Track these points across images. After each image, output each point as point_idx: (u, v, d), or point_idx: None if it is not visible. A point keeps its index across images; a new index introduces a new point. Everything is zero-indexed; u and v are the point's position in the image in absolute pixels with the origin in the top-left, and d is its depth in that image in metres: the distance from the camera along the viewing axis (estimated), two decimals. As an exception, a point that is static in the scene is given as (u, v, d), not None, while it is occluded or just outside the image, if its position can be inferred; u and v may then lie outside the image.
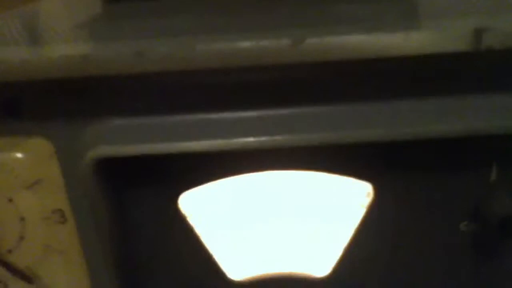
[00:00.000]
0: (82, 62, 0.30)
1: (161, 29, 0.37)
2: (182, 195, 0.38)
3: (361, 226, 0.39)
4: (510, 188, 0.36)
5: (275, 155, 0.36)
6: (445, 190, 0.38)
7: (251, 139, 0.33)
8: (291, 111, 0.34)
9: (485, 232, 0.37)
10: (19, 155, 0.37)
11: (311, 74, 0.32)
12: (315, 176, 0.38)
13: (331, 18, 0.36)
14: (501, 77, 0.31)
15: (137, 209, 0.40)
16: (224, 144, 0.33)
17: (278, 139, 0.33)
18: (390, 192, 0.38)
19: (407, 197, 0.38)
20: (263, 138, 0.33)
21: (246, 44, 0.29)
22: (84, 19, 0.48)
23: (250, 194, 0.39)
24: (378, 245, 0.40)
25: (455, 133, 0.31)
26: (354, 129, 0.33)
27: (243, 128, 0.33)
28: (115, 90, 0.33)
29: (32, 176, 0.38)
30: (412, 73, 0.32)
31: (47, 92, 0.34)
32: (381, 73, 0.32)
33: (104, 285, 0.40)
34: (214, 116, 0.33)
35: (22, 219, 0.40)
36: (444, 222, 0.39)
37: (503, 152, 0.36)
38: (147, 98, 0.34)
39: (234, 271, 0.42)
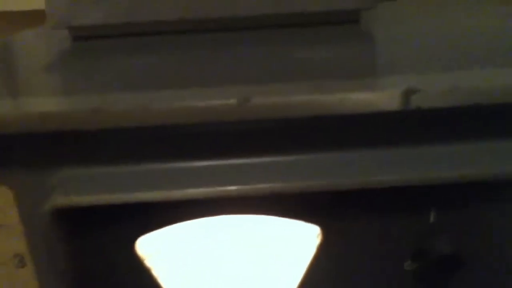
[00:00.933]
0: (40, 118, 0.32)
1: (119, 79, 0.39)
2: (139, 239, 0.40)
3: (311, 267, 0.41)
4: (446, 230, 0.39)
5: (229, 200, 0.38)
6: (389, 232, 0.40)
7: (203, 189, 0.35)
8: (241, 162, 0.36)
9: (427, 270, 0.40)
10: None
11: (259, 127, 0.35)
12: (266, 219, 0.40)
13: (277, 73, 0.38)
14: (432, 131, 0.34)
15: (95, 254, 0.41)
16: (177, 194, 0.34)
17: (229, 189, 0.35)
18: (337, 234, 0.40)
19: (354, 239, 0.41)
20: (215, 188, 0.35)
21: (197, 104, 0.32)
22: (51, 60, 0.50)
23: (204, 237, 0.41)
24: (328, 285, 0.42)
25: (391, 183, 0.34)
26: (300, 179, 0.35)
27: (195, 178, 0.35)
28: (73, 143, 0.35)
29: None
30: (352, 128, 0.35)
31: (7, 143, 0.35)
32: (324, 128, 0.34)
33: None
34: (166, 166, 0.35)
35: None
36: (389, 262, 0.41)
37: (440, 197, 0.39)
38: (102, 150, 0.36)
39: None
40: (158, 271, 0.41)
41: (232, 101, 0.31)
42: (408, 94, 0.31)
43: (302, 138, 0.35)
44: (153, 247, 0.41)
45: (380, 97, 0.31)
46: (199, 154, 0.35)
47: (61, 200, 0.35)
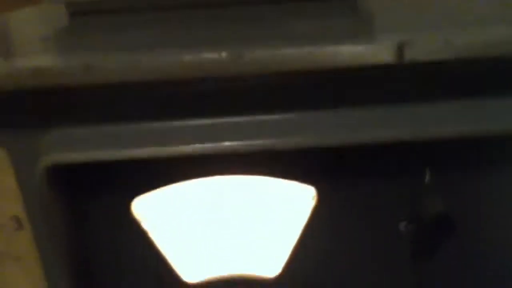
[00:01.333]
0: (33, 74, 0.32)
1: (112, 44, 0.39)
2: (135, 200, 0.40)
3: (307, 227, 0.41)
4: (441, 190, 0.39)
5: (224, 160, 0.38)
6: (384, 193, 0.40)
7: (196, 145, 0.35)
8: (235, 119, 0.35)
9: (422, 230, 0.40)
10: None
11: (253, 84, 0.34)
12: (263, 180, 0.40)
13: (272, 33, 0.38)
14: (426, 87, 0.34)
15: (92, 215, 0.41)
16: (170, 151, 0.34)
17: (223, 145, 0.35)
18: (332, 195, 0.40)
19: (350, 200, 0.41)
20: (209, 145, 0.35)
21: (188, 57, 0.31)
22: (46, 33, 0.50)
23: (200, 198, 0.41)
24: (324, 246, 0.42)
25: (385, 140, 0.34)
26: (294, 136, 0.35)
27: (189, 136, 0.35)
28: (66, 101, 0.35)
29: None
30: (346, 83, 0.35)
31: (1, 103, 0.35)
32: (317, 84, 0.34)
33: (61, 291, 0.41)
34: (160, 124, 0.35)
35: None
36: (384, 223, 0.41)
37: (435, 157, 0.39)
38: (97, 108, 0.35)
39: (188, 274, 0.43)
40: (154, 233, 0.42)
41: (224, 54, 0.31)
42: (402, 46, 0.31)
43: (295, 95, 0.35)
44: (148, 209, 0.41)
45: (374, 49, 0.31)
46: (192, 111, 0.35)
47: (55, 157, 0.35)
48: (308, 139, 0.35)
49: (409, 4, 0.46)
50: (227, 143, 0.35)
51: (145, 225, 0.41)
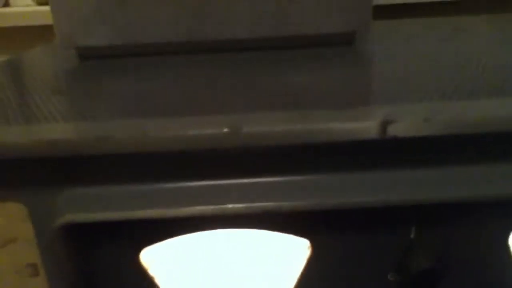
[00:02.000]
0: (49, 145, 0.35)
1: (119, 109, 0.43)
2: (143, 251, 0.43)
3: (302, 278, 0.44)
4: (425, 246, 0.42)
5: (224, 217, 0.41)
6: (373, 247, 0.43)
7: (197, 207, 0.38)
8: (234, 182, 0.39)
9: (408, 281, 0.43)
10: (-4, 217, 0.42)
11: (251, 152, 0.38)
12: (260, 234, 0.43)
13: (267, 101, 0.41)
14: (409, 157, 0.37)
15: (103, 265, 0.44)
16: (174, 212, 0.38)
17: (222, 207, 0.38)
18: (326, 248, 0.43)
19: (342, 253, 0.44)
20: (208, 207, 0.38)
21: (191, 132, 0.35)
22: (56, 85, 0.54)
23: (202, 249, 0.44)
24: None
25: (372, 204, 0.37)
26: (289, 200, 0.38)
27: (191, 198, 0.38)
28: (79, 166, 0.38)
29: (7, 235, 0.43)
30: (336, 154, 0.38)
31: (21, 165, 0.39)
32: (310, 154, 0.37)
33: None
34: (165, 186, 0.39)
35: (-1, 273, 0.44)
36: (374, 274, 0.44)
37: (420, 215, 0.42)
38: (107, 172, 0.39)
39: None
40: (160, 280, 0.45)
41: (225, 130, 0.34)
42: (384, 124, 0.34)
43: (291, 163, 0.38)
44: (155, 258, 0.44)
45: (360, 127, 0.34)
46: (195, 175, 0.38)
47: (70, 217, 0.38)
48: (301, 203, 0.38)
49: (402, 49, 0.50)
50: (229, 205, 0.39)
51: (152, 271, 0.44)
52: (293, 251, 0.44)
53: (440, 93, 0.39)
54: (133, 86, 0.50)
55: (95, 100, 0.46)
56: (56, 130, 0.38)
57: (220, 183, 0.39)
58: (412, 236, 0.42)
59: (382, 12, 0.67)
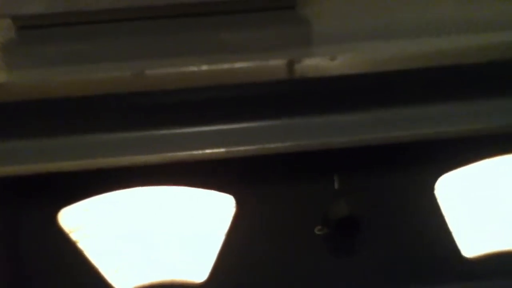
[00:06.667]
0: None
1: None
2: (63, 211, 0.42)
3: (230, 233, 0.43)
4: (348, 195, 0.41)
5: (147, 172, 0.41)
6: (299, 199, 0.43)
7: (114, 158, 0.37)
8: (147, 133, 0.38)
9: (334, 233, 0.42)
10: None
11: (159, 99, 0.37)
12: (184, 190, 0.43)
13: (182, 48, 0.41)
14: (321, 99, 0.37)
15: (23, 227, 0.43)
16: (99, 163, 0.37)
17: (143, 157, 0.37)
18: (250, 203, 0.43)
19: (267, 207, 0.43)
20: (125, 158, 0.37)
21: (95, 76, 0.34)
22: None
23: (126, 208, 0.43)
24: (247, 251, 0.44)
25: (283, 150, 0.37)
26: (202, 148, 0.37)
27: (107, 148, 0.37)
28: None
29: None
30: (251, 98, 0.37)
31: None
32: (218, 99, 0.37)
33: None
34: (78, 137, 0.37)
35: None
36: (302, 228, 0.44)
37: (343, 164, 0.41)
38: (21, 122, 0.38)
39: (119, 282, 0.45)
40: (84, 243, 0.44)
41: (127, 73, 0.33)
42: (291, 63, 0.34)
43: (203, 110, 0.37)
44: (76, 219, 0.43)
45: (267, 66, 0.34)
46: (108, 125, 0.38)
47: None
48: (211, 151, 0.37)
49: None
50: (146, 156, 0.38)
51: (74, 235, 0.43)
52: (218, 208, 0.43)
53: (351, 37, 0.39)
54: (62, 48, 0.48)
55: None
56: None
57: (137, 133, 0.38)
58: (335, 186, 0.42)
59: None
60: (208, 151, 0.38)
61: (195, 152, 0.38)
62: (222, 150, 0.38)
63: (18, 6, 0.59)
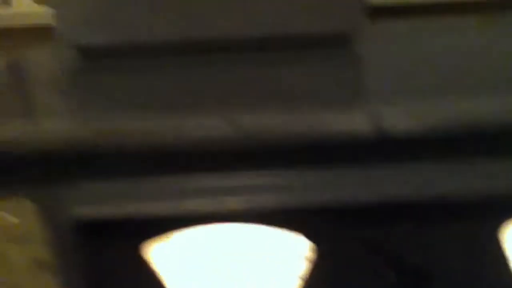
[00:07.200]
0: (59, 142, 0.37)
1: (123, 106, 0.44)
2: (147, 244, 0.45)
3: (307, 277, 0.45)
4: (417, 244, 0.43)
5: (229, 211, 0.43)
6: (375, 247, 0.45)
7: (202, 201, 0.40)
8: (238, 179, 0.40)
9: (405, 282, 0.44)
10: (7, 214, 0.44)
11: (255, 149, 0.39)
12: (264, 230, 0.45)
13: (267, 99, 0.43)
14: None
15: (109, 258, 0.46)
16: (186, 206, 0.40)
17: (226, 202, 0.40)
18: (328, 247, 0.45)
19: (344, 252, 0.45)
20: (213, 201, 0.40)
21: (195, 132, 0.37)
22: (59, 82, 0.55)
23: (207, 244, 0.46)
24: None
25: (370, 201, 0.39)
26: (291, 197, 0.40)
27: (197, 193, 0.40)
28: (86, 161, 0.40)
29: (18, 232, 0.44)
30: (333, 151, 0.39)
31: (28, 161, 0.40)
32: (307, 150, 0.39)
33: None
34: (171, 181, 0.40)
35: (10, 266, 0.45)
36: (375, 274, 0.46)
37: (416, 215, 0.43)
38: (116, 168, 0.40)
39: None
40: (163, 274, 0.46)
41: (227, 128, 0.36)
42: (377, 122, 0.36)
43: (291, 161, 0.40)
44: (158, 252, 0.46)
45: (354, 125, 0.36)
46: (199, 171, 0.40)
47: (78, 212, 0.40)
48: (299, 200, 0.40)
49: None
50: (231, 200, 0.40)
51: (156, 265, 0.46)
52: (294, 250, 0.45)
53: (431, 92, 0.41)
54: (136, 85, 0.51)
55: (98, 99, 0.48)
56: (61, 126, 0.39)
57: (222, 179, 0.41)
58: (404, 235, 0.44)
59: (380, 14, 0.68)
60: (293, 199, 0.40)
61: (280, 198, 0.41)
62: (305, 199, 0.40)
63: (84, 37, 0.63)
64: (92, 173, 0.41)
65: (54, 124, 0.41)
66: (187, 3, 0.60)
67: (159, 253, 0.45)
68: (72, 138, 0.38)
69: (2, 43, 1.31)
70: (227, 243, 0.46)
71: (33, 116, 0.45)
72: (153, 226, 0.44)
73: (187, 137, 0.37)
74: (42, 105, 0.48)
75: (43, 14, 1.28)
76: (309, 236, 0.43)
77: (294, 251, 0.45)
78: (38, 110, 0.46)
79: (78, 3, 0.63)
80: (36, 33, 1.22)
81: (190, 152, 0.40)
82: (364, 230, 0.44)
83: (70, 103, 0.48)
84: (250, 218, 0.44)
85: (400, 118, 0.36)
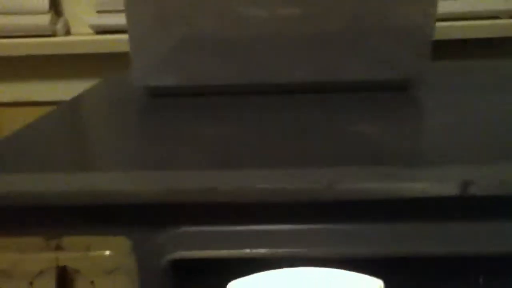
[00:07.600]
0: (158, 194, 0.41)
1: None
2: (230, 283, 0.48)
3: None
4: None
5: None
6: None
7: (288, 250, 0.43)
8: (313, 227, 0.43)
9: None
10: (105, 249, 0.47)
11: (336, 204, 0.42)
12: (338, 272, 0.47)
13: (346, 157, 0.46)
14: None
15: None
16: (262, 252, 0.43)
17: (308, 251, 0.43)
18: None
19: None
20: (297, 250, 0.43)
21: (289, 186, 0.40)
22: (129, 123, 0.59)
23: (284, 284, 0.48)
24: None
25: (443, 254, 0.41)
26: (366, 247, 0.43)
27: (279, 240, 0.43)
28: (182, 210, 0.44)
29: (112, 265, 0.48)
30: (415, 207, 0.42)
31: (131, 207, 0.44)
32: (395, 208, 0.42)
33: None
34: (254, 229, 0.43)
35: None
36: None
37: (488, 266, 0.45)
38: (210, 216, 0.44)
39: None
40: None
41: (321, 185, 0.39)
42: (465, 185, 0.38)
43: (374, 215, 0.42)
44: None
45: (441, 187, 0.39)
46: (282, 220, 0.43)
47: (171, 254, 0.43)
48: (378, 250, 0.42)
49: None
50: (313, 249, 0.43)
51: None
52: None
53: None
54: (210, 132, 0.55)
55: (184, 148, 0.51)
56: (158, 178, 0.43)
57: (304, 228, 0.44)
58: (481, 284, 0.46)
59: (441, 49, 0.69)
60: (368, 250, 0.43)
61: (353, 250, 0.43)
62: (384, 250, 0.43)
63: (152, 79, 0.68)
64: (185, 221, 0.44)
65: (149, 176, 0.45)
66: (250, 49, 0.65)
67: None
68: (173, 192, 0.42)
69: (63, 71, 1.39)
70: (302, 284, 0.48)
71: (124, 166, 0.49)
72: (234, 269, 0.47)
73: (276, 189, 0.40)
74: (126, 157, 0.52)
75: (101, 43, 1.35)
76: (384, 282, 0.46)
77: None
78: (122, 160, 0.50)
79: (152, 47, 0.68)
80: (95, 61, 1.30)
81: (277, 203, 0.43)
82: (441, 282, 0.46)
83: (155, 152, 0.52)
84: (331, 265, 0.46)
85: (484, 177, 0.38)
